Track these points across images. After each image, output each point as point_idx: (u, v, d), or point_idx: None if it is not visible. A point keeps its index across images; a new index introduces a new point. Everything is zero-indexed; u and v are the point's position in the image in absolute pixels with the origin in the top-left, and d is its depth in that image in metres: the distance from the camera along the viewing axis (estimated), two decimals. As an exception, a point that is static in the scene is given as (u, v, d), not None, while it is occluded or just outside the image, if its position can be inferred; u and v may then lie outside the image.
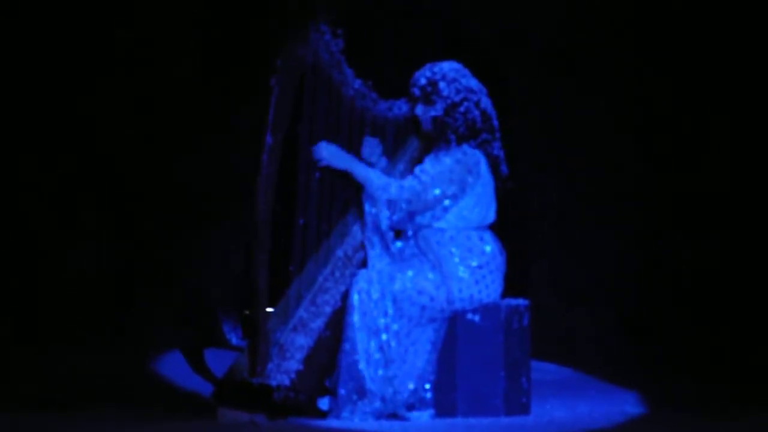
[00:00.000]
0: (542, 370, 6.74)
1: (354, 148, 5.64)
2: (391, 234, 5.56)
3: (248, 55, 7.59)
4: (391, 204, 5.52)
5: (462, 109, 5.55)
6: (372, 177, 5.55)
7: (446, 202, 5.55)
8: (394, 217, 5.53)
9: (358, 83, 5.54)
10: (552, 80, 7.76)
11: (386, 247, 5.53)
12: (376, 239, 5.55)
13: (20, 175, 7.55)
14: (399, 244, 5.62)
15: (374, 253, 5.54)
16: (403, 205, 5.52)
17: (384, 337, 5.40)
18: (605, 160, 7.73)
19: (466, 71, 5.62)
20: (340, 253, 5.60)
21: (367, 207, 5.56)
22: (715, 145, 7.56)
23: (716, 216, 7.54)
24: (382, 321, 5.41)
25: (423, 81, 5.58)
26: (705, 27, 7.52)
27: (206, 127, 7.69)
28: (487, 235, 5.61)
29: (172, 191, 7.69)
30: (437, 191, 5.52)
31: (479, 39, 7.64)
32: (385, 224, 5.52)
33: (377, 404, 5.40)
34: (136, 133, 7.63)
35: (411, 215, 5.55)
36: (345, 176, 5.57)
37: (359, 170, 5.56)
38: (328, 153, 5.53)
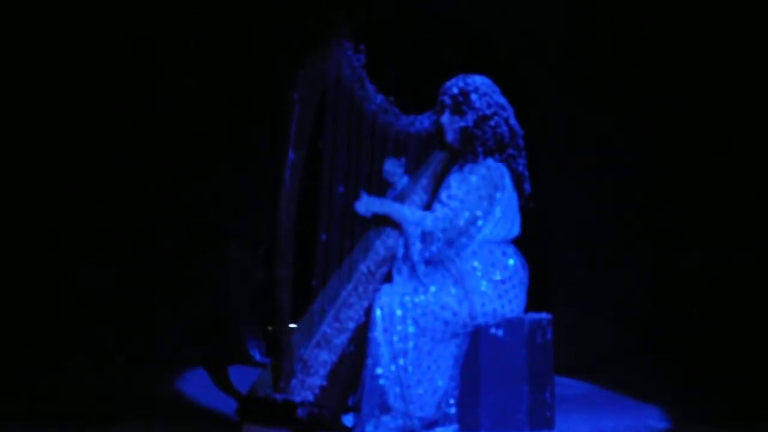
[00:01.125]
0: (564, 384, 6.71)
1: (376, 164, 5.64)
2: (422, 266, 5.56)
3: (265, 73, 7.61)
4: (425, 237, 5.52)
5: (492, 123, 5.56)
6: (407, 214, 5.58)
7: (479, 223, 5.54)
8: (433, 248, 5.53)
9: (380, 98, 5.55)
10: (572, 96, 7.76)
11: (413, 276, 5.54)
12: (405, 268, 5.56)
13: (38, 194, 7.56)
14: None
15: (400, 279, 5.54)
16: (440, 235, 5.51)
17: (401, 362, 5.38)
18: (628, 175, 7.72)
19: (497, 88, 5.65)
20: (363, 268, 5.59)
21: (401, 245, 5.59)
22: (741, 158, 7.53)
23: (739, 230, 7.51)
24: (401, 345, 5.40)
25: (455, 90, 5.59)
26: (726, 43, 7.51)
27: (224, 143, 7.70)
28: (510, 250, 5.60)
29: (190, 208, 7.70)
30: (467, 214, 5.51)
31: (497, 53, 7.65)
32: (417, 257, 5.52)
33: (400, 420, 5.39)
34: (154, 151, 7.64)
35: (449, 243, 5.54)
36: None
37: (395, 211, 5.60)
38: (365, 206, 5.58)
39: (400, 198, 5.69)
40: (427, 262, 5.57)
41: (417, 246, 5.53)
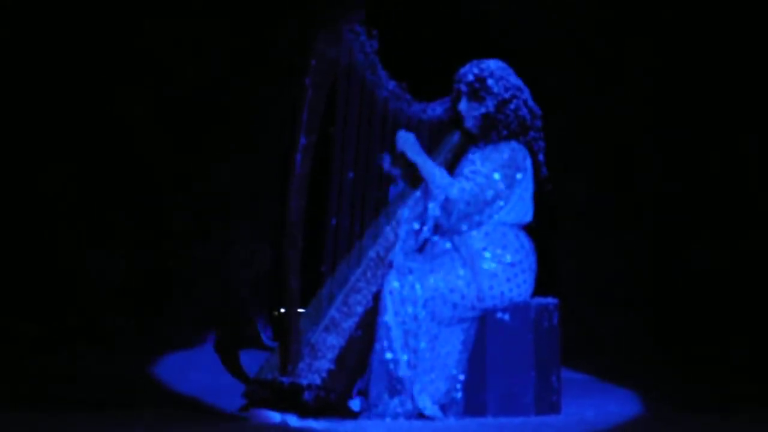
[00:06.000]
0: (568, 369, 6.72)
1: (386, 150, 5.64)
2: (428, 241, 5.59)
3: (272, 58, 7.61)
4: (447, 204, 5.52)
5: (512, 106, 5.56)
6: (436, 174, 5.54)
7: (500, 203, 5.54)
8: (451, 219, 5.53)
9: (392, 84, 5.54)
10: (579, 81, 7.75)
11: (419, 259, 5.54)
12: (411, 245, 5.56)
13: (48, 180, 7.57)
14: (435, 238, 5.63)
15: (408, 261, 5.54)
16: (462, 206, 5.50)
17: (412, 346, 5.39)
18: (635, 160, 7.72)
19: (511, 70, 5.63)
20: (372, 253, 5.58)
21: (429, 206, 5.55)
22: (750, 144, 7.54)
23: (742, 220, 7.52)
24: (413, 324, 5.42)
25: (471, 77, 5.57)
26: (732, 33, 7.51)
27: (231, 128, 7.70)
28: (522, 235, 5.61)
29: (199, 192, 7.70)
30: (491, 192, 5.51)
31: (506, 40, 7.64)
32: (430, 225, 5.53)
33: (409, 404, 5.41)
34: (162, 135, 7.64)
35: (465, 217, 5.53)
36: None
37: (427, 166, 5.55)
38: (404, 141, 5.55)
39: (401, 195, 5.68)
40: (435, 244, 5.59)
41: (436, 212, 5.53)
